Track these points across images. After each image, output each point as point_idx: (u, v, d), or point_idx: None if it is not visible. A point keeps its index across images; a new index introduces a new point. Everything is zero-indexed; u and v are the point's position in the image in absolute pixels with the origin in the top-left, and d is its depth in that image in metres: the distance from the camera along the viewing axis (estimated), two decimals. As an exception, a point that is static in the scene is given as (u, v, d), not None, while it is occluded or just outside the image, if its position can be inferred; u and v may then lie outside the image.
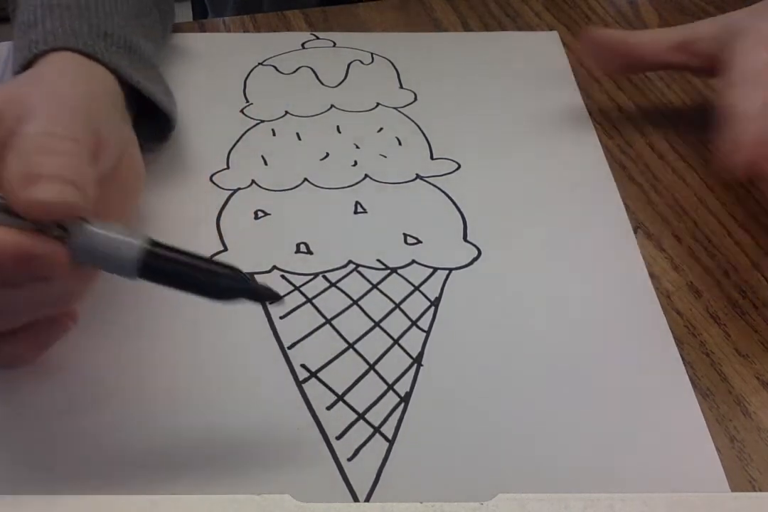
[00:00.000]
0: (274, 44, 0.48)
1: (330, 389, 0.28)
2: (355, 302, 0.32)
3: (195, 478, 0.26)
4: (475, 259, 0.34)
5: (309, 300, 0.32)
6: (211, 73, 0.45)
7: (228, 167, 0.38)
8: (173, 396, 0.28)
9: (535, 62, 0.46)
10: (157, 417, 0.27)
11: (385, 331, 0.31)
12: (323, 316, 0.31)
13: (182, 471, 0.26)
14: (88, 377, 0.29)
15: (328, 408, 0.28)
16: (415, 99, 0.43)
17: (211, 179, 0.37)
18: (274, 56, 0.47)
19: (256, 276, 0.33)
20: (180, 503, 0.24)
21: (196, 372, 0.29)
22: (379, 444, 0.27)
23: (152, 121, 0.36)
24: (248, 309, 0.31)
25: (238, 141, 0.40)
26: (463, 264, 0.33)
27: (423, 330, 0.31)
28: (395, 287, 0.32)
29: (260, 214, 0.36)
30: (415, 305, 0.32)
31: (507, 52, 0.47)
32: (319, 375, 0.29)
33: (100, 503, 0.24)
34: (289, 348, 0.30)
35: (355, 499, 0.25)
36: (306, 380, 0.29)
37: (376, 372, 0.29)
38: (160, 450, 0.27)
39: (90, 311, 0.31)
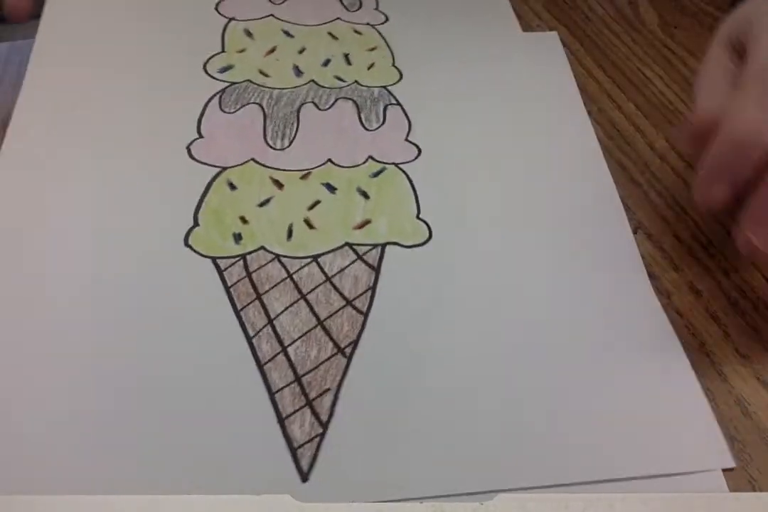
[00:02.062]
0: None
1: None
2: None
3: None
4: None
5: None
6: None
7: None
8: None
9: (535, 62, 0.46)
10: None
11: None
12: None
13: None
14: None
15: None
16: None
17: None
18: None
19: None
20: (180, 503, 0.24)
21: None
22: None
23: None
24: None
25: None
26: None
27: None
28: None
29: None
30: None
31: (506, 52, 0.47)
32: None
33: (101, 503, 0.24)
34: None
35: (354, 499, 0.25)
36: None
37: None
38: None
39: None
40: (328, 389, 0.28)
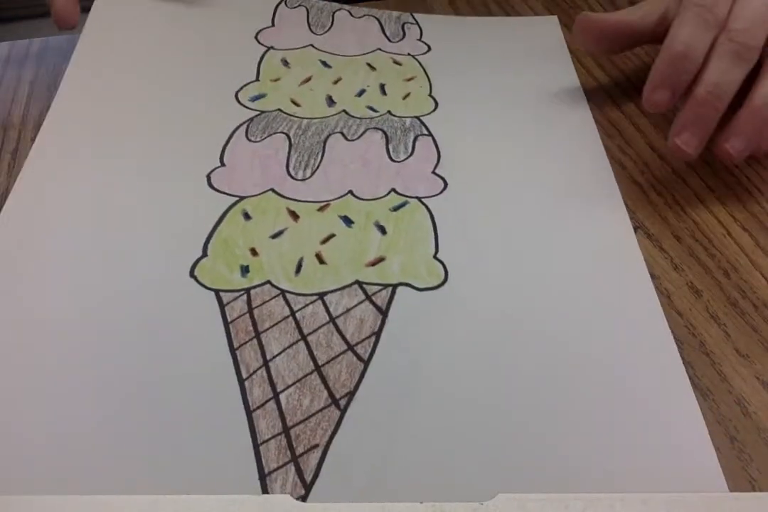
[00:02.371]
0: None
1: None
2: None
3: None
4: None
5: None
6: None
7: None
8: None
9: (538, 62, 0.46)
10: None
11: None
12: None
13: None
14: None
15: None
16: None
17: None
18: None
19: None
20: (180, 503, 0.24)
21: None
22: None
23: None
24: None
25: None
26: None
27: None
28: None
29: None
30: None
31: (509, 53, 0.47)
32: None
33: (100, 503, 0.24)
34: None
35: (354, 499, 0.25)
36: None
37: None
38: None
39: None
40: (317, 445, 0.27)
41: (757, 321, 0.31)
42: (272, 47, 0.46)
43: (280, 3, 0.50)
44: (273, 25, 0.48)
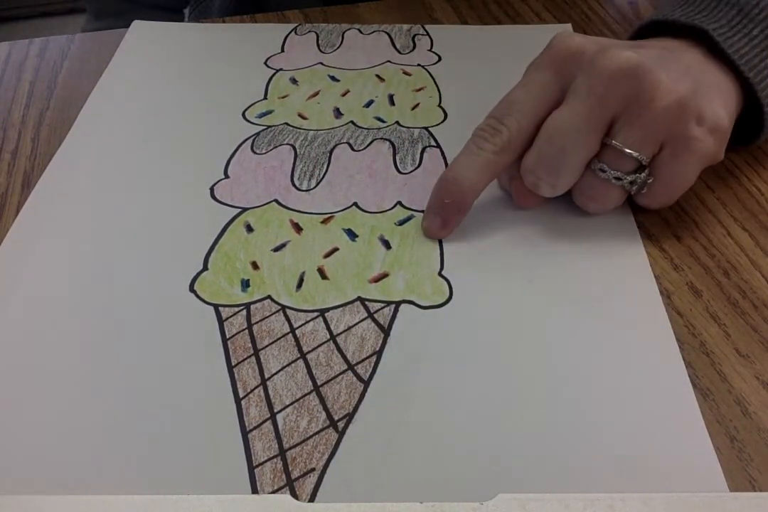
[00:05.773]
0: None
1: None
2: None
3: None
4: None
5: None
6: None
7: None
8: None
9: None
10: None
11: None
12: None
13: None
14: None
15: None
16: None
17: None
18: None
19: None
20: (180, 503, 0.24)
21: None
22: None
23: None
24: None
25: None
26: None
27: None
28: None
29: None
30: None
31: (520, 62, 0.46)
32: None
33: (101, 503, 0.24)
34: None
35: (354, 499, 0.25)
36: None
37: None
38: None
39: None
40: (313, 469, 0.26)
41: (757, 321, 0.31)
42: (281, 69, 0.46)
43: (290, 32, 0.50)
44: (283, 51, 0.48)
